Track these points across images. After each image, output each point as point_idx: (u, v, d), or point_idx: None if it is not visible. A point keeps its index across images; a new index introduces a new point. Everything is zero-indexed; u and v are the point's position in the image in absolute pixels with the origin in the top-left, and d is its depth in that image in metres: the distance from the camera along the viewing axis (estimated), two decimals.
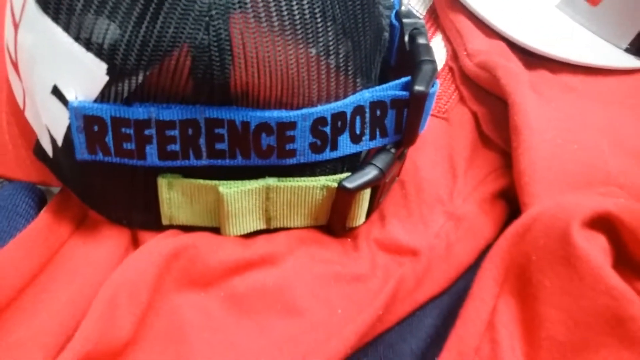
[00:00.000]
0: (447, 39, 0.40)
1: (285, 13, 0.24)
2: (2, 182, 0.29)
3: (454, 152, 0.34)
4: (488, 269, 0.26)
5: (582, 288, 0.24)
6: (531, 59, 0.39)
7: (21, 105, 0.29)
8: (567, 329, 0.24)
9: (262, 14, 0.23)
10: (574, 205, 0.25)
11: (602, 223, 0.25)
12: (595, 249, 0.24)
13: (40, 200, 0.29)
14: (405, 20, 0.30)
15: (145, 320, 0.25)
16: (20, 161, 0.30)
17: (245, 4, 0.23)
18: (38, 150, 0.29)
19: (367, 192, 0.28)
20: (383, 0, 0.30)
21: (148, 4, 0.23)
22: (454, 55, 0.39)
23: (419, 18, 0.31)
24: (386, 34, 0.29)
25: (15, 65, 0.27)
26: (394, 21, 0.30)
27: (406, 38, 0.30)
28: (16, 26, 0.25)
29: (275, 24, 0.24)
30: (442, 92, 0.37)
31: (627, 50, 0.42)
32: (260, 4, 0.23)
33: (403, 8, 0.31)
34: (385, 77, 0.30)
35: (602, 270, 0.24)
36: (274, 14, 0.23)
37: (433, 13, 0.42)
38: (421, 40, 0.29)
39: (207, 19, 0.23)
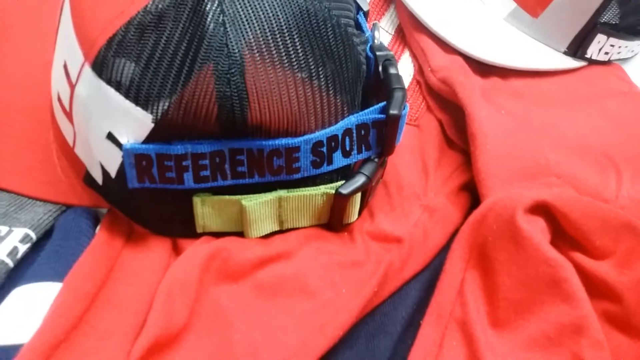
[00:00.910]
0: (414, 56, 0.47)
1: (286, 66, 0.30)
2: (63, 207, 0.36)
3: (425, 154, 0.41)
4: (456, 249, 0.34)
5: (527, 260, 0.32)
6: (485, 67, 0.46)
7: (71, 144, 0.36)
8: (518, 291, 0.32)
9: (270, 69, 0.30)
10: (518, 196, 0.33)
11: (541, 209, 0.33)
12: (535, 229, 0.32)
13: (94, 219, 0.36)
14: (378, 53, 0.37)
15: (194, 309, 0.32)
16: (73, 189, 0.37)
17: (256, 62, 0.30)
18: (87, 179, 0.36)
19: (358, 195, 0.36)
20: (359, 38, 0.37)
21: (183, 69, 0.29)
22: (420, 70, 0.46)
23: (389, 50, 0.38)
24: (364, 67, 0.36)
25: (68, 114, 0.34)
26: (369, 54, 0.37)
27: (380, 68, 0.37)
28: (72, 86, 0.32)
29: (280, 74, 0.30)
30: (412, 103, 0.44)
31: (565, 53, 0.49)
32: (268, 61, 0.30)
33: (376, 42, 0.38)
34: (365, 100, 0.37)
35: (541, 246, 0.31)
36: (279, 68, 0.30)
37: (400, 32, 0.49)
38: (392, 70, 0.36)
39: (228, 76, 0.30)
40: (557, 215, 0.33)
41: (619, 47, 0.50)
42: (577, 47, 0.49)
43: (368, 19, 0.40)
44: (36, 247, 0.34)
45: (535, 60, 0.47)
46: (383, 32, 0.49)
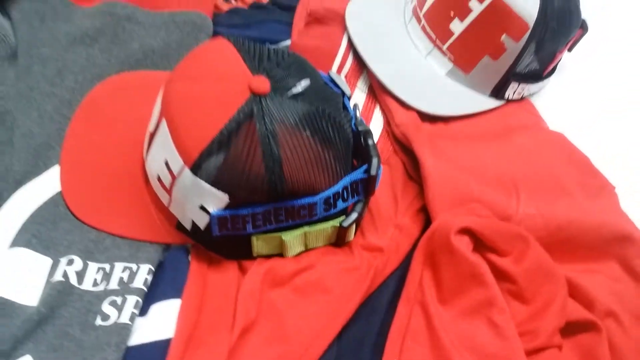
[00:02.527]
0: (382, 111, 0.67)
1: (306, 155, 0.50)
2: (164, 246, 0.56)
3: (394, 186, 0.62)
4: (417, 256, 0.55)
5: (458, 262, 0.53)
6: (433, 116, 0.66)
7: (166, 204, 0.55)
8: (453, 281, 0.53)
9: (297, 159, 0.50)
10: (451, 222, 0.54)
11: (465, 230, 0.54)
12: (462, 244, 0.53)
13: (186, 252, 0.56)
14: (360, 128, 0.57)
15: (259, 307, 0.53)
16: (170, 233, 0.56)
17: (288, 158, 0.49)
18: (179, 226, 0.56)
19: (353, 225, 0.56)
20: (346, 118, 0.56)
21: (246, 165, 0.49)
22: (387, 122, 0.66)
23: (367, 126, 0.57)
24: (351, 140, 0.56)
25: (168, 191, 0.53)
26: (354, 128, 0.57)
27: (362, 139, 0.57)
28: (174, 177, 0.51)
29: (302, 160, 0.50)
30: (382, 147, 0.64)
31: (490, 95, 0.69)
32: (295, 156, 0.50)
33: (358, 117, 0.58)
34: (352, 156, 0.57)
35: (465, 254, 0.52)
36: (302, 157, 0.50)
37: (372, 91, 0.68)
38: (370, 142, 0.56)
39: (272, 169, 0.49)
40: (476, 233, 0.54)
41: (528, 89, 0.70)
42: (497, 92, 0.69)
43: (350, 98, 0.59)
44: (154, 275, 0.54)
45: (468, 107, 0.67)
46: (359, 92, 0.68)
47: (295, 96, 0.51)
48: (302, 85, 0.51)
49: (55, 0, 0.67)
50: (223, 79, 0.50)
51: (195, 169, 0.49)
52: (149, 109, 0.59)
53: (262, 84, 0.49)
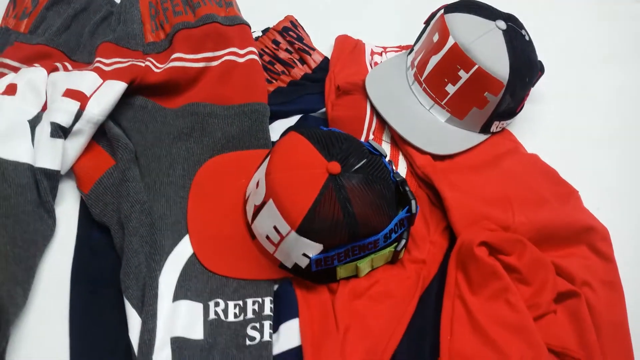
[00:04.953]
0: (404, 156, 0.91)
1: (373, 209, 0.74)
2: (274, 280, 0.80)
3: (424, 212, 0.86)
4: (451, 264, 0.79)
5: (480, 265, 0.77)
6: (442, 156, 0.90)
7: (271, 253, 0.79)
8: (478, 279, 0.77)
9: (366, 213, 0.74)
10: (472, 238, 0.78)
11: (483, 242, 0.79)
12: (482, 252, 0.77)
13: (290, 283, 0.80)
14: (397, 179, 0.81)
15: (349, 315, 0.77)
16: (276, 271, 0.80)
17: (361, 213, 0.73)
18: (282, 265, 0.79)
19: (403, 248, 0.81)
20: (389, 174, 0.80)
21: (332, 219, 0.73)
22: (410, 165, 0.90)
23: (402, 176, 0.81)
24: (393, 187, 0.80)
25: (275, 245, 0.77)
26: (393, 179, 0.81)
27: (400, 186, 0.80)
28: (282, 237, 0.75)
29: (370, 213, 0.74)
30: (410, 184, 0.88)
31: (479, 132, 0.94)
32: (365, 212, 0.73)
33: (394, 170, 0.82)
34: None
35: (485, 258, 0.77)
36: (369, 211, 0.74)
37: (394, 140, 0.92)
38: (407, 188, 0.80)
39: (352, 223, 0.73)
40: (490, 243, 0.79)
41: (506, 122, 0.95)
42: (485, 129, 0.93)
43: (386, 157, 0.83)
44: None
45: (465, 144, 0.91)
46: (385, 144, 0.92)
47: (357, 170, 0.74)
48: (360, 163, 0.75)
49: (151, 107, 0.89)
50: (307, 167, 0.73)
51: (300, 231, 0.73)
52: (239, 181, 0.82)
53: (335, 167, 0.73)
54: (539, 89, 0.97)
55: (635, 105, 1.05)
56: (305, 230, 0.72)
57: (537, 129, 0.98)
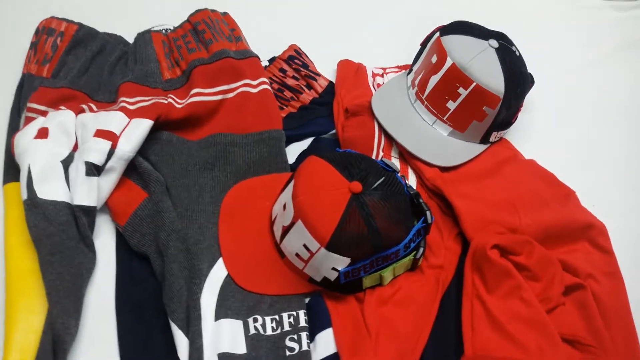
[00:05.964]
0: (413, 170, 0.98)
1: (393, 222, 0.81)
2: (304, 294, 0.86)
3: (437, 221, 0.93)
4: (467, 267, 0.86)
5: (493, 267, 0.84)
6: (448, 167, 0.97)
7: (300, 269, 0.85)
8: (493, 279, 0.84)
9: (387, 226, 0.80)
10: (484, 242, 0.85)
11: (494, 245, 0.86)
12: (494, 254, 0.85)
13: (320, 295, 0.86)
14: (411, 192, 0.88)
15: (377, 320, 0.83)
16: (305, 285, 0.86)
17: (384, 227, 0.80)
18: (311, 280, 0.86)
19: (422, 255, 0.88)
20: (404, 188, 0.87)
21: (358, 236, 0.79)
22: (419, 178, 0.97)
23: (415, 189, 0.88)
24: (408, 200, 0.87)
25: (305, 262, 0.83)
26: (407, 192, 0.88)
27: (414, 199, 0.87)
28: (312, 254, 0.81)
29: (390, 226, 0.81)
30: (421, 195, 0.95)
31: (480, 142, 1.01)
32: (387, 225, 0.80)
33: (408, 184, 0.89)
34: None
35: (498, 260, 0.84)
36: (391, 224, 0.81)
37: (402, 155, 0.99)
38: (421, 200, 0.87)
39: (376, 236, 0.80)
40: (501, 245, 0.86)
41: (503, 132, 1.02)
42: (484, 139, 1.00)
43: (399, 172, 0.90)
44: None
45: (468, 155, 0.99)
46: (394, 159, 0.99)
47: (376, 187, 0.81)
48: (379, 181, 0.82)
49: (176, 141, 0.95)
50: (331, 187, 0.80)
51: (329, 247, 0.79)
52: (264, 204, 0.89)
53: (357, 186, 0.80)
54: (531, 99, 1.05)
55: (618, 105, 1.13)
56: (333, 246, 0.79)
57: (531, 135, 1.06)
